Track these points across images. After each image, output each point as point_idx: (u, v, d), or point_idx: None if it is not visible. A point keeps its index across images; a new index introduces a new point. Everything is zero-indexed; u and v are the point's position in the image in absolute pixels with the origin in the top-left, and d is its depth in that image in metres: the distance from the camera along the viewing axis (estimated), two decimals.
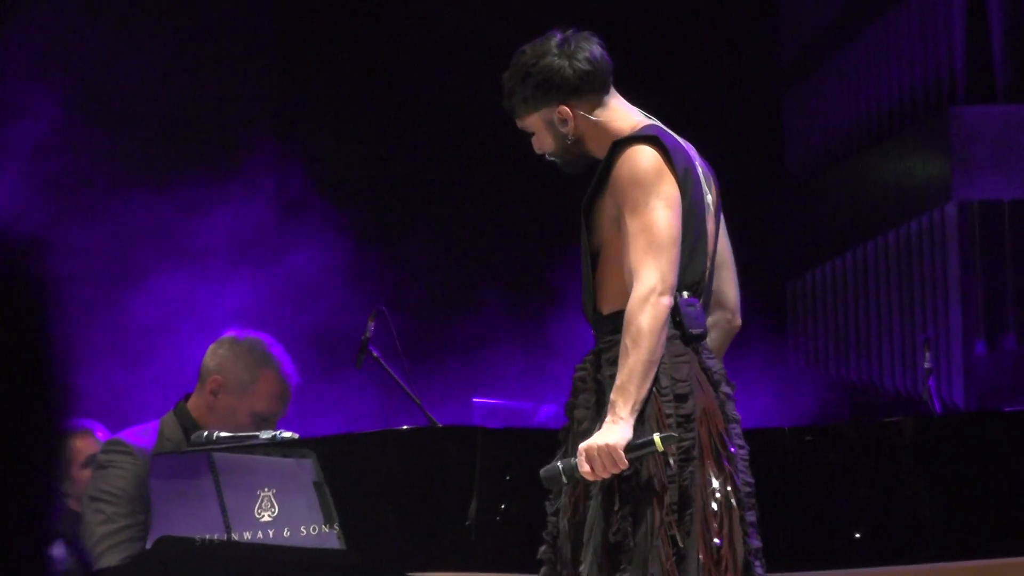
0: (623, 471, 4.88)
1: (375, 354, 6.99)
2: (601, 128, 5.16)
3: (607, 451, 4.85)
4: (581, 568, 4.99)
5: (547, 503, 5.14)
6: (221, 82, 11.66)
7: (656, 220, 4.96)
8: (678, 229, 4.99)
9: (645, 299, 4.89)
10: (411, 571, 5.81)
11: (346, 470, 5.94)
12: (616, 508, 4.94)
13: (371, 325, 7.00)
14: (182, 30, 11.63)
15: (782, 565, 5.64)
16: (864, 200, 13.33)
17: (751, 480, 5.07)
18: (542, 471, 5.02)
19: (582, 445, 4.91)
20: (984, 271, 12.26)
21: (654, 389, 4.92)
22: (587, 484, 5.00)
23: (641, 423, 4.91)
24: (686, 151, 5.16)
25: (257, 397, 6.48)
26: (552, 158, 5.25)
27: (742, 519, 4.99)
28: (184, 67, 11.60)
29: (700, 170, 5.18)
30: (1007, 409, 11.01)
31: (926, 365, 10.12)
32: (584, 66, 5.16)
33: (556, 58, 5.15)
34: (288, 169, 11.47)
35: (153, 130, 11.29)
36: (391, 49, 12.90)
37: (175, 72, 11.53)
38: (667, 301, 4.91)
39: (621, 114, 5.19)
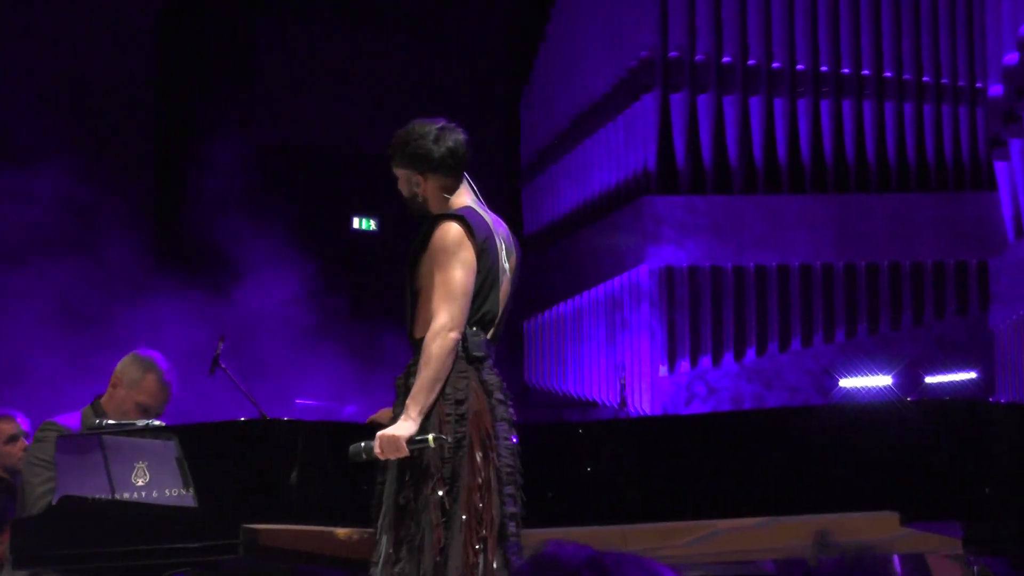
0: (409, 456, 4.99)
1: (223, 365, 7.05)
2: (440, 200, 5.28)
3: (394, 440, 4.99)
4: (379, 523, 5.09)
5: (377, 474, 5.18)
6: None
7: (453, 277, 5.09)
8: (470, 285, 5.12)
9: (438, 333, 5.03)
10: (245, 523, 5.78)
11: (199, 449, 5.91)
12: (406, 479, 5.04)
13: (220, 344, 7.07)
14: None
15: (539, 523, 5.64)
16: (582, 262, 13.50)
17: (512, 463, 5.15)
18: (350, 448, 5.10)
19: (379, 433, 5.03)
20: (666, 316, 12.48)
21: (440, 396, 5.05)
22: (392, 463, 5.07)
23: (428, 419, 5.02)
24: (489, 226, 5.28)
25: (141, 392, 6.51)
26: (407, 202, 5.35)
27: (500, 491, 5.08)
28: None
29: (501, 241, 5.29)
30: (683, 414, 11.31)
31: (621, 382, 10.36)
32: (445, 154, 5.26)
33: (430, 142, 5.25)
34: None
35: None
36: None
37: None
38: (455, 335, 5.05)
39: (458, 195, 5.31)
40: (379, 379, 11.74)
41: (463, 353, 5.12)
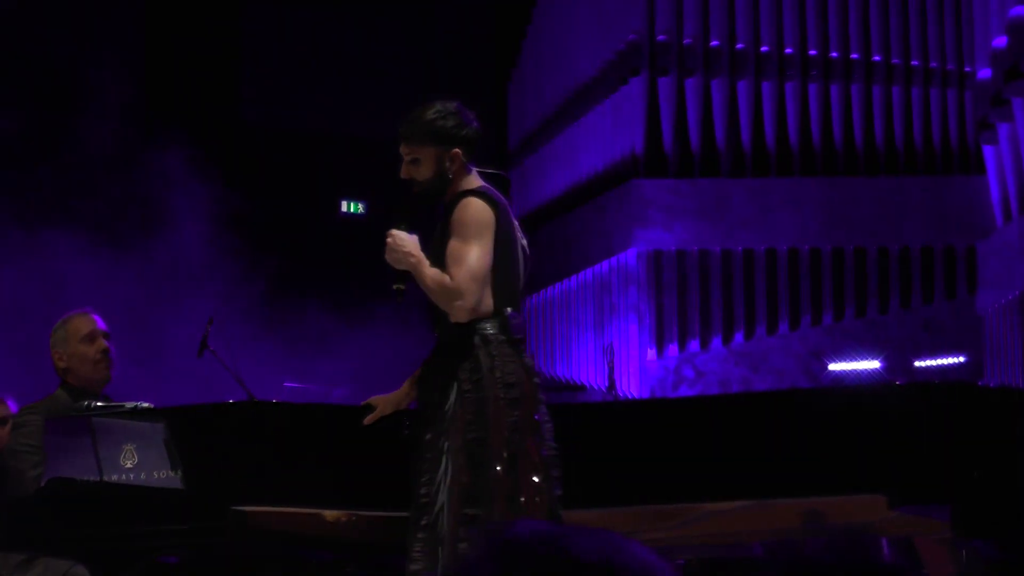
0: (468, 442, 4.94)
1: (211, 348, 7.05)
2: (462, 179, 5.21)
3: (394, 248, 5.07)
4: (439, 504, 4.99)
5: (417, 459, 5.11)
6: None
7: (471, 251, 5.01)
8: (488, 264, 5.02)
9: (459, 294, 4.97)
10: (233, 505, 5.77)
11: (188, 431, 5.90)
12: (468, 461, 4.95)
13: (208, 327, 7.06)
14: None
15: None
16: (571, 245, 13.52)
17: (554, 444, 5.09)
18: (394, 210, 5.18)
19: (403, 234, 5.09)
20: (654, 299, 12.51)
21: (491, 376, 4.99)
22: (430, 450, 5.03)
23: (484, 405, 4.97)
24: (509, 207, 5.23)
25: (78, 333, 6.42)
26: (416, 186, 5.21)
27: (549, 474, 5.02)
28: None
29: (516, 222, 5.24)
30: (671, 397, 11.32)
31: (609, 364, 10.36)
32: (477, 128, 5.25)
33: (459, 117, 5.22)
34: None
35: None
36: None
37: None
38: (467, 307, 4.99)
39: (474, 176, 5.23)
40: (368, 361, 11.75)
41: (503, 335, 5.05)
